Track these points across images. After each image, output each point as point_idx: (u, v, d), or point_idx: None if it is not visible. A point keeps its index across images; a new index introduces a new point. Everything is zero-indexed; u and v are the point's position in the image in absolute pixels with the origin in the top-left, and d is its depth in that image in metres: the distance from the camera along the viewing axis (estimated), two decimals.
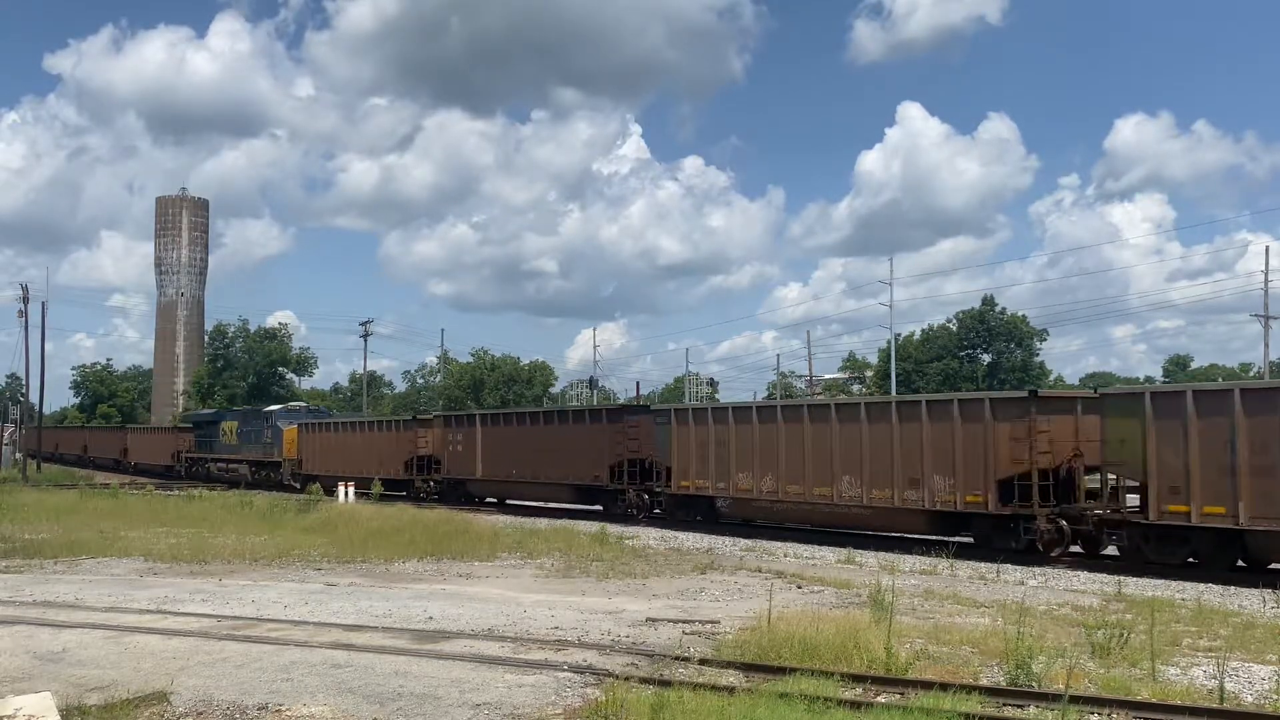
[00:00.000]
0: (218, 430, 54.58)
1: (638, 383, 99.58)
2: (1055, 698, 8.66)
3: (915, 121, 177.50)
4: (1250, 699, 9.46)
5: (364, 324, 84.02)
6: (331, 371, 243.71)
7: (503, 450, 35.24)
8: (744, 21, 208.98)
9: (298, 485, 42.69)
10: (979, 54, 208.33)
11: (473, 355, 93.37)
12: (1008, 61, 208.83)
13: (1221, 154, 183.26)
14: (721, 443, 26.67)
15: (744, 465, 26.00)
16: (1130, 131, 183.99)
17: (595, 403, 77.24)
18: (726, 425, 26.67)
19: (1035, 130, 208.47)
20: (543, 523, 27.91)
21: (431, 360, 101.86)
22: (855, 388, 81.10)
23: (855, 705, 8.80)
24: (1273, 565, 17.90)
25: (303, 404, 58.07)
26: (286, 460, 46.55)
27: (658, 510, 29.19)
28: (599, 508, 31.86)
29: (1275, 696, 9.38)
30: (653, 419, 29.59)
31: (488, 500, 37.44)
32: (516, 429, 35.17)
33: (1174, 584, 17.11)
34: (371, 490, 34.72)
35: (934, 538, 21.60)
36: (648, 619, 13.38)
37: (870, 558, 20.37)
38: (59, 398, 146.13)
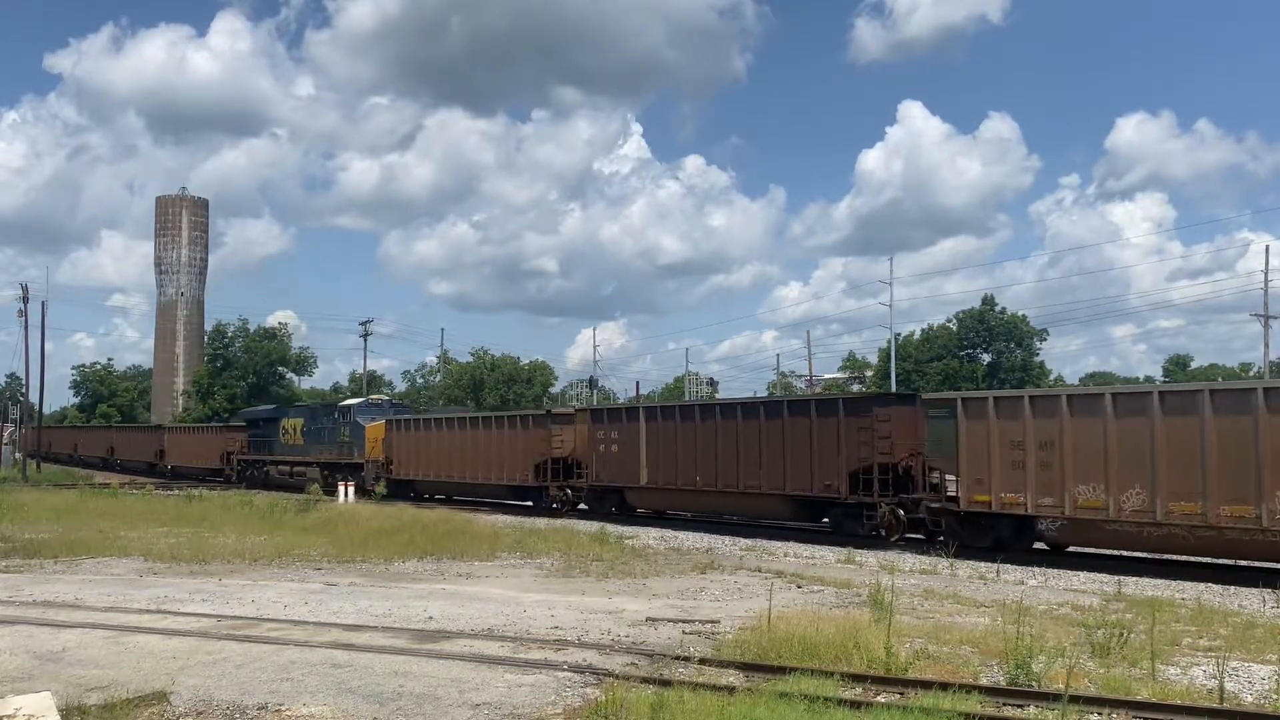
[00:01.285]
0: (277, 428, 48.61)
1: (638, 383, 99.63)
2: (1055, 697, 8.66)
3: (916, 121, 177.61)
4: (1250, 699, 9.46)
5: (364, 324, 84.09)
6: (331, 371, 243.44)
7: (683, 451, 27.56)
8: (745, 21, 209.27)
9: (384, 491, 37.27)
10: (980, 53, 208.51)
11: (472, 355, 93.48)
12: (1009, 61, 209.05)
13: (1223, 153, 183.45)
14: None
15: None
16: (1132, 131, 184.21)
17: (833, 391, 66.38)
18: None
19: (1036, 129, 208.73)
20: (541, 523, 27.89)
21: (431, 360, 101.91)
22: (855, 387, 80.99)
23: (855, 705, 8.79)
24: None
25: (384, 397, 51.25)
26: (370, 462, 40.36)
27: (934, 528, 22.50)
28: (826, 526, 25.14)
29: (1275, 696, 9.38)
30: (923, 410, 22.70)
31: (642, 513, 30.76)
32: (709, 424, 27.08)
33: (1174, 584, 17.11)
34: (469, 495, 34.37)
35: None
36: (648, 619, 13.38)
37: (870, 557, 20.38)
38: (59, 398, 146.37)
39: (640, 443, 29.00)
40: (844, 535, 23.56)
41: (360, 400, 46.81)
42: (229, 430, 55.08)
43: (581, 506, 32.03)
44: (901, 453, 22.84)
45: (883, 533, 23.26)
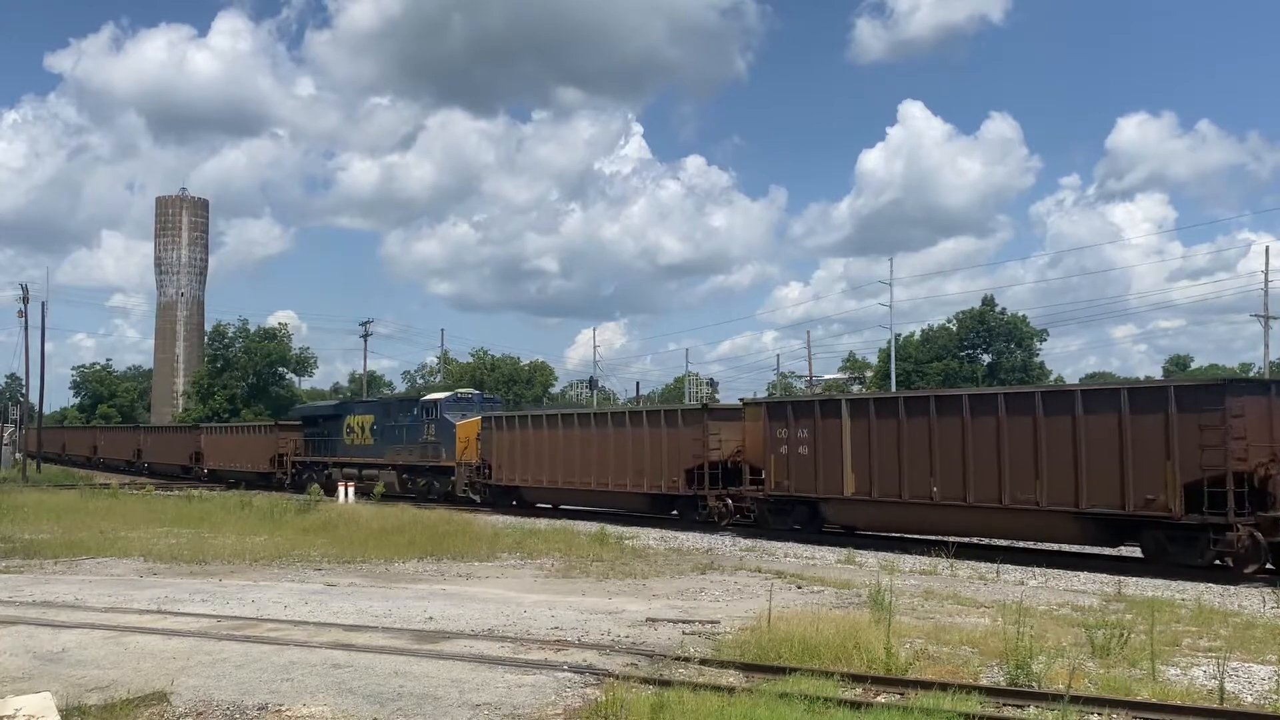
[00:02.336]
0: (340, 426, 43.31)
1: (638, 383, 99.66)
2: (1055, 698, 8.66)
3: (918, 121, 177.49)
4: (1250, 699, 9.46)
5: (364, 324, 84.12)
6: (331, 371, 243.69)
7: (912, 454, 21.98)
8: (745, 20, 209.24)
9: (477, 499, 33.71)
10: (981, 53, 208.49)
11: (472, 355, 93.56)
12: (1010, 61, 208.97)
13: (1224, 153, 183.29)
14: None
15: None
16: (1133, 131, 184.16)
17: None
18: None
19: (1037, 129, 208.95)
20: (542, 523, 27.89)
21: (431, 360, 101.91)
22: (855, 387, 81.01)
23: (855, 705, 8.79)
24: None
25: (472, 391, 43.71)
26: (463, 465, 35.47)
27: None
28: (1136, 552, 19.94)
29: (1275, 696, 9.38)
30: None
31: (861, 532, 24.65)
32: (951, 420, 21.31)
33: (1174, 584, 17.11)
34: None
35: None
36: (648, 619, 13.37)
37: (870, 558, 20.38)
38: (59, 398, 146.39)
39: (844, 443, 23.55)
40: (1167, 564, 18.47)
41: (447, 394, 40.13)
42: (281, 429, 48.80)
43: (742, 520, 26.41)
44: (1260, 458, 17.58)
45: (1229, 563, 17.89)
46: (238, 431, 54.62)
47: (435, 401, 38.50)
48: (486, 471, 34.88)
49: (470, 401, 38.97)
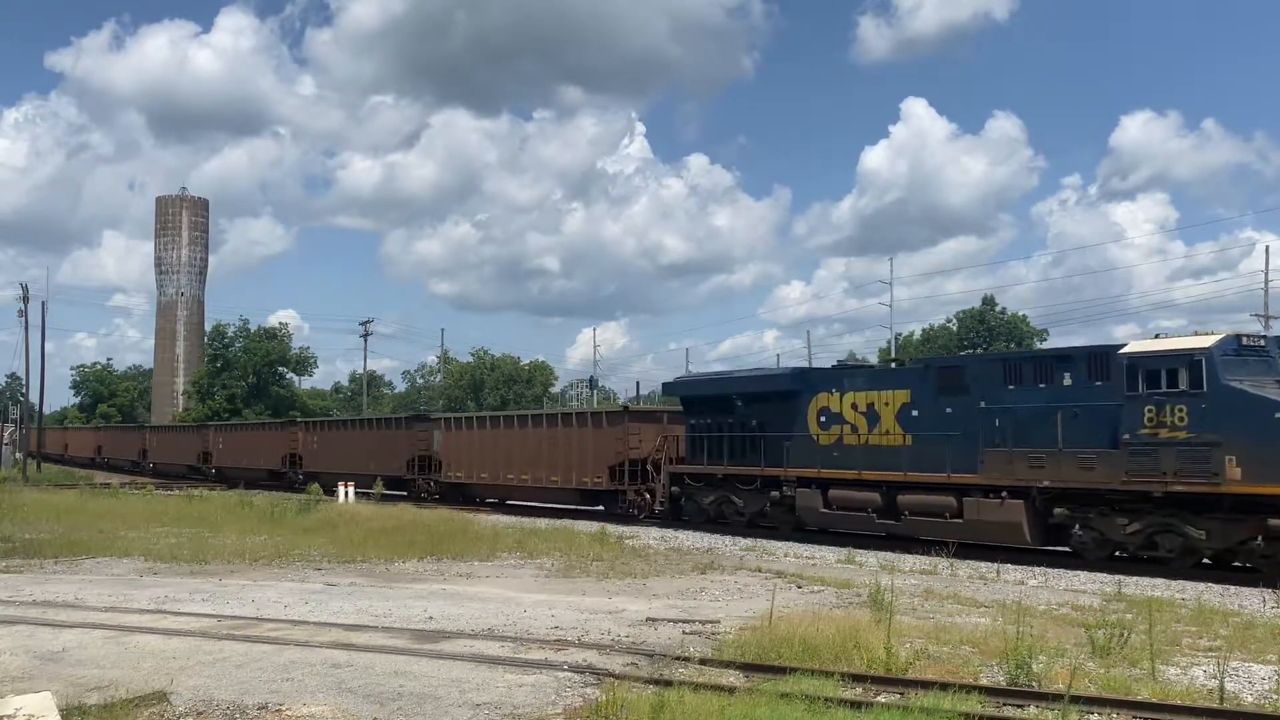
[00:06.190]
0: (795, 411, 24.35)
1: (638, 383, 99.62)
2: (1056, 697, 8.66)
3: (921, 119, 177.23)
4: (1250, 699, 9.45)
5: (364, 324, 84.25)
6: (332, 371, 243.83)
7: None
8: (748, 19, 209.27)
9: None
10: (985, 51, 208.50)
11: (472, 355, 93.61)
12: (1014, 59, 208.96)
13: (1229, 152, 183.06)
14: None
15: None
16: (1137, 129, 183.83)
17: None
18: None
19: (1041, 128, 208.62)
20: (542, 523, 27.87)
21: (432, 360, 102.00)
22: None
23: (856, 705, 8.79)
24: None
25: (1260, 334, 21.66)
26: None
27: None
28: None
29: (1275, 696, 9.38)
30: None
31: None
32: None
33: (1174, 584, 17.11)
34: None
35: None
36: (648, 619, 13.38)
37: (870, 557, 20.37)
38: (59, 397, 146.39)
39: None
40: None
41: (1221, 337, 18.13)
42: (657, 419, 30.70)
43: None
44: None
45: None
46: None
47: (1175, 354, 18.03)
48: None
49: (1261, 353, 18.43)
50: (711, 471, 26.57)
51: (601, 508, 31.24)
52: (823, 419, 23.98)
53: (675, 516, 27.90)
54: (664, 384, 34.09)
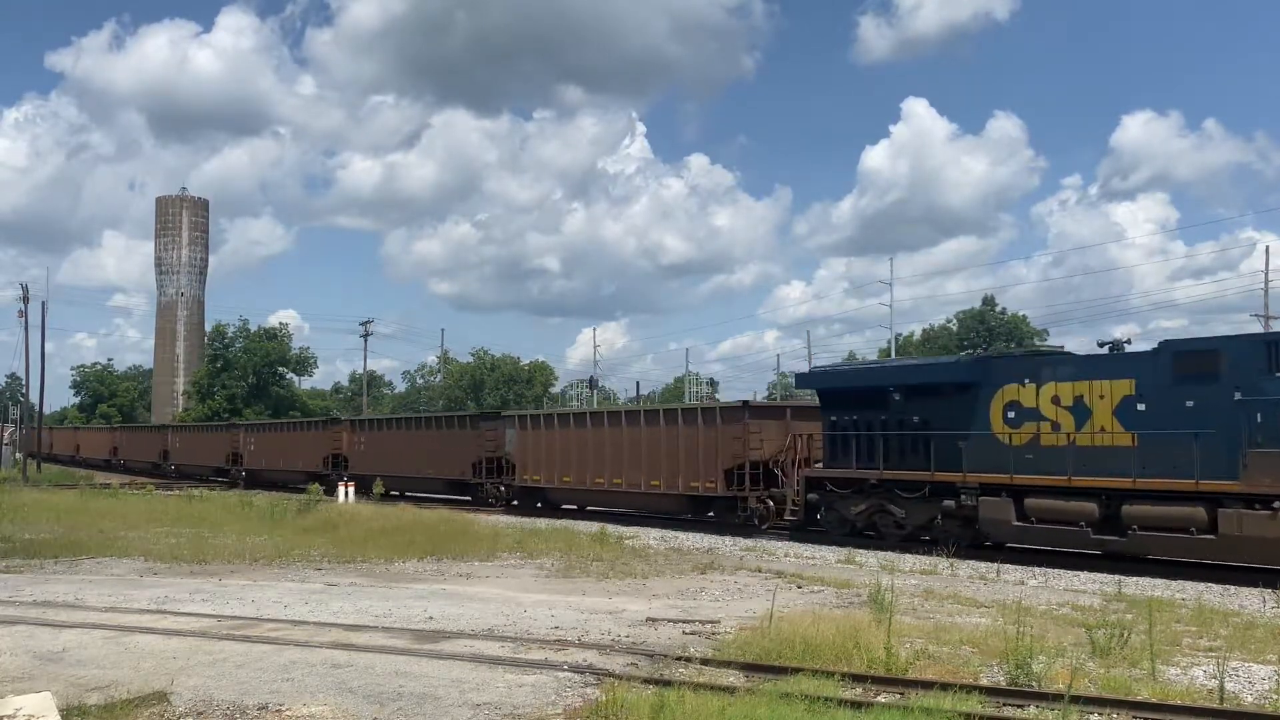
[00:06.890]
0: (974, 402, 20.91)
1: (638, 383, 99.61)
2: (1056, 698, 8.65)
3: (921, 119, 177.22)
4: (1250, 699, 9.45)
5: (364, 324, 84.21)
6: (332, 371, 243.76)
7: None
8: (749, 19, 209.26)
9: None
10: (986, 51, 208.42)
11: (472, 355, 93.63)
12: (1015, 59, 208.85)
13: (1230, 152, 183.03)
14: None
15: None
16: (1138, 129, 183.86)
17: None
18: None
19: (1042, 128, 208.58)
20: (542, 523, 27.86)
21: (432, 360, 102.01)
22: None
23: (856, 705, 8.79)
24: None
25: None
26: None
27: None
28: None
29: (1275, 696, 9.38)
30: None
31: None
32: None
33: (1174, 584, 17.11)
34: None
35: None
36: (648, 619, 13.38)
37: (870, 558, 20.37)
38: (59, 397, 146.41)
39: None
40: None
41: None
42: (780, 415, 26.96)
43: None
44: None
45: None
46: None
47: None
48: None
49: None
50: (864, 476, 22.68)
51: (712, 515, 27.68)
52: (1011, 415, 20.32)
53: (807, 528, 24.13)
54: (797, 375, 30.82)
